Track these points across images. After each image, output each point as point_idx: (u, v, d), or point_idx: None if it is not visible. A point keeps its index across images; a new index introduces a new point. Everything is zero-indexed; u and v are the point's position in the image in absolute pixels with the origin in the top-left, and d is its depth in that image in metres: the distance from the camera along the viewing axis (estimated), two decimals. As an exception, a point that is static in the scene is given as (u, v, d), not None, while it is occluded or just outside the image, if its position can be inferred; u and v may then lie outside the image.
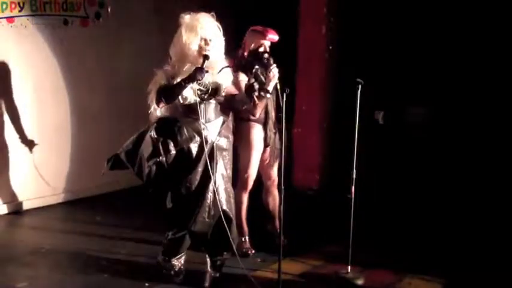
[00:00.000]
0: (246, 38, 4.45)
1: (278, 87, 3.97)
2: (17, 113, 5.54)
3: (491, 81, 5.50)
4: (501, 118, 5.48)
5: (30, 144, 5.62)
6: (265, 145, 4.53)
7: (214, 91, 3.91)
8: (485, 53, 5.49)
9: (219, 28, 3.93)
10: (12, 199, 5.61)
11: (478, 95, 5.56)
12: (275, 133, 4.53)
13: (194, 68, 3.76)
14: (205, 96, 3.88)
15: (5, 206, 5.57)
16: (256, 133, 4.48)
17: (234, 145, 4.32)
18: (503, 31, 5.41)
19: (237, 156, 4.47)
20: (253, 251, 4.60)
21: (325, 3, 6.18)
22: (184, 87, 3.75)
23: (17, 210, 5.61)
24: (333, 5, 6.21)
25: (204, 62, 3.76)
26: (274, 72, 4.02)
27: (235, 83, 4.15)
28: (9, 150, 5.54)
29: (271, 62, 4.10)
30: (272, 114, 4.46)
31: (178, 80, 3.79)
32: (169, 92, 3.80)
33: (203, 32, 3.84)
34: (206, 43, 3.85)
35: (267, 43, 4.40)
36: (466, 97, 5.63)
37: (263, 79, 4.08)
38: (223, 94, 3.97)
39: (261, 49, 4.35)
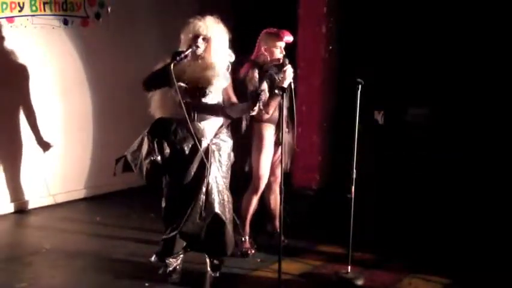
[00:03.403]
0: (260, 40, 4.48)
1: (292, 86, 4.04)
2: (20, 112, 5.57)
3: (492, 82, 5.50)
4: (501, 118, 5.48)
5: (45, 146, 5.66)
6: (277, 144, 4.51)
7: (203, 89, 3.89)
8: (486, 53, 5.49)
9: (222, 29, 3.93)
10: (17, 198, 5.62)
11: (479, 95, 5.55)
12: (288, 132, 4.52)
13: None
14: (194, 95, 3.88)
15: (12, 204, 5.60)
16: (269, 134, 4.49)
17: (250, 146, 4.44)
18: (503, 31, 5.40)
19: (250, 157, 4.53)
20: (253, 251, 4.60)
21: (325, 3, 6.18)
22: (162, 71, 3.79)
23: (20, 210, 5.62)
24: (333, 5, 6.21)
25: (188, 49, 3.82)
26: (289, 71, 4.18)
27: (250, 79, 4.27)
28: (15, 150, 5.57)
29: (287, 62, 4.26)
30: (285, 113, 4.43)
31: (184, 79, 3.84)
32: (148, 77, 3.91)
33: (194, 30, 3.87)
34: (195, 39, 3.86)
35: (282, 44, 4.45)
36: (466, 97, 5.62)
37: (277, 78, 4.27)
38: (221, 96, 3.99)
39: (277, 51, 4.42)
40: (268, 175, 4.63)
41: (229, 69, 4.06)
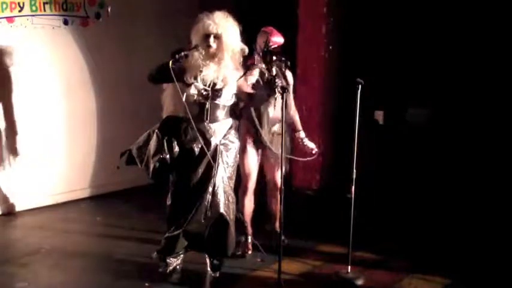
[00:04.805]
0: (258, 37, 4.46)
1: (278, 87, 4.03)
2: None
3: (492, 82, 5.49)
4: (502, 118, 5.47)
5: None
6: (260, 147, 4.47)
7: (218, 90, 3.90)
8: (486, 53, 5.48)
9: (232, 24, 3.90)
10: (16, 198, 5.62)
11: (479, 95, 5.55)
12: (279, 134, 4.40)
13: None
14: (208, 96, 3.88)
15: (11, 204, 5.60)
16: (246, 132, 4.47)
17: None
18: (503, 31, 5.40)
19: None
20: (249, 252, 4.57)
21: (325, 3, 6.18)
22: (162, 69, 3.79)
23: (20, 209, 5.61)
24: (333, 5, 6.21)
25: (192, 49, 3.82)
26: (254, 71, 4.18)
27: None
28: (16, 150, 5.57)
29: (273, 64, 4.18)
30: (272, 114, 4.43)
31: (188, 74, 3.87)
32: (152, 72, 3.91)
33: (204, 29, 3.85)
34: (206, 38, 3.84)
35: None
36: (466, 97, 5.62)
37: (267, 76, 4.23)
38: (234, 93, 4.01)
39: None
40: (267, 180, 4.63)
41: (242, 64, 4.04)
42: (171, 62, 3.75)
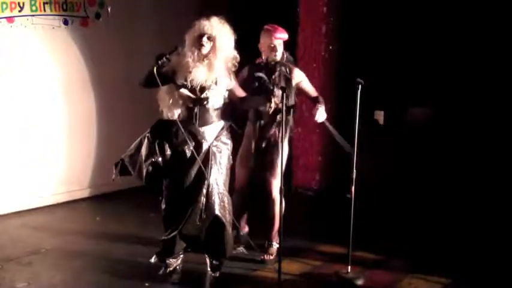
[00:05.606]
0: (261, 36, 4.42)
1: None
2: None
3: (493, 82, 5.49)
4: (502, 118, 5.47)
5: None
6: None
7: (205, 98, 3.91)
8: (487, 53, 5.48)
9: (228, 30, 3.90)
10: (18, 197, 5.62)
11: (480, 95, 5.54)
12: (268, 139, 4.41)
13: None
14: (195, 101, 3.90)
15: (12, 204, 5.59)
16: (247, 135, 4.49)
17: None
18: (503, 31, 5.40)
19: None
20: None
21: (325, 3, 6.18)
22: (150, 70, 3.80)
23: (20, 209, 5.61)
24: (333, 5, 6.21)
25: (171, 51, 3.82)
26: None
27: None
28: (17, 150, 5.57)
29: (277, 67, 4.29)
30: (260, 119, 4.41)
31: (177, 75, 3.89)
32: (142, 80, 3.93)
33: (200, 29, 3.85)
34: (200, 38, 3.84)
35: (276, 42, 4.34)
36: (467, 97, 5.62)
37: (267, 80, 4.28)
38: (226, 97, 4.01)
39: (270, 49, 4.35)
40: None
41: (235, 70, 4.05)
42: (155, 67, 3.77)
